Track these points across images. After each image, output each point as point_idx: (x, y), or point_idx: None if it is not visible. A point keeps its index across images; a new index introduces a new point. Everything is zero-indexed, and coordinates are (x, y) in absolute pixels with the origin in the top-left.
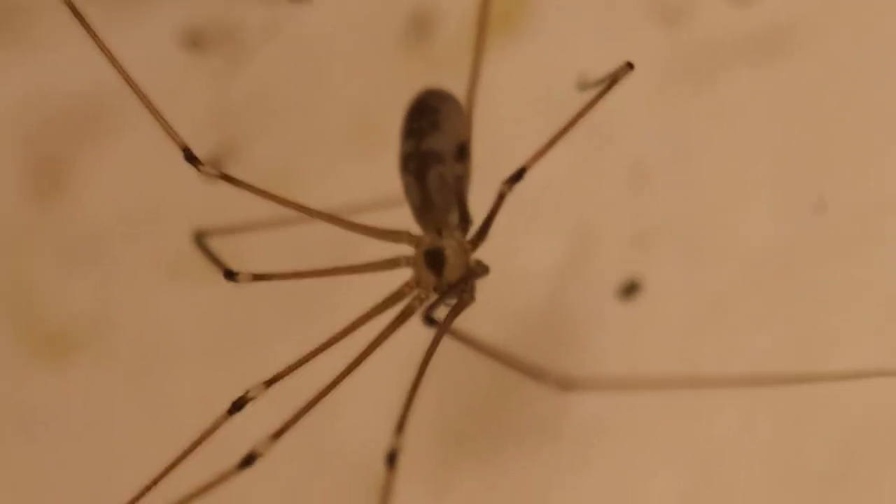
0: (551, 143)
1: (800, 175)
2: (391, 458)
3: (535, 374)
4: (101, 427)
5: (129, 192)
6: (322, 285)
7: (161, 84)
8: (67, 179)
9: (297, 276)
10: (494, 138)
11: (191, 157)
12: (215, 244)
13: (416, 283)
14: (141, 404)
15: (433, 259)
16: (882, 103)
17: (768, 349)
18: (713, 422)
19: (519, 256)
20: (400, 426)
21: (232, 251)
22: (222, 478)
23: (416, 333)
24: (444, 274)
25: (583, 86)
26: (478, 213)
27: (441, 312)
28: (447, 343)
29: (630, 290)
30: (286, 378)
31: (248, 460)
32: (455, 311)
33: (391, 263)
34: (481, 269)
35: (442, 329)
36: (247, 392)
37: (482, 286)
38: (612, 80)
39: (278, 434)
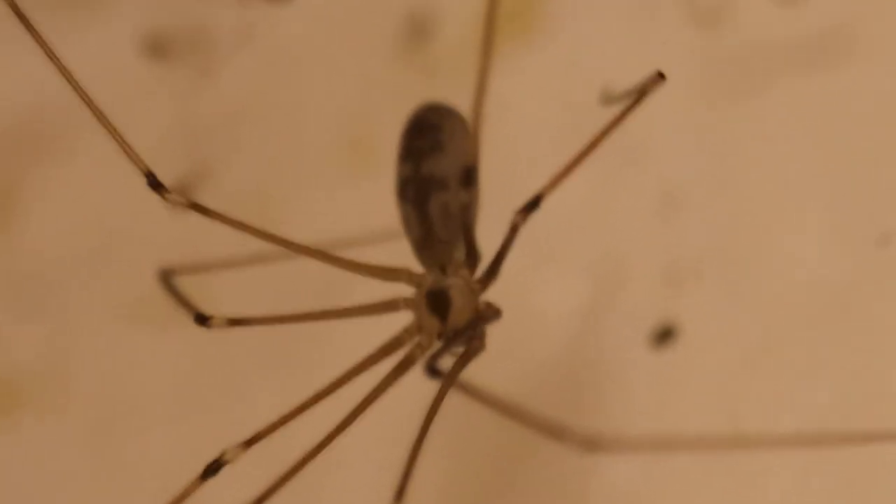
0: (571, 166)
1: (859, 202)
2: None
3: (555, 432)
4: (52, 497)
5: (84, 223)
6: (308, 331)
7: (119, 98)
8: (12, 208)
9: (278, 321)
10: (505, 161)
11: (155, 184)
12: (184, 284)
13: (417, 328)
14: (99, 469)
15: (437, 301)
16: None
17: (823, 403)
18: (762, 488)
19: (535, 297)
20: (399, 494)
21: (203, 292)
22: None
23: (417, 386)
24: (450, 318)
25: (607, 99)
26: (487, 248)
27: (446, 362)
28: (453, 397)
29: (663, 335)
30: (267, 438)
31: None
32: (462, 361)
33: (388, 306)
34: (492, 313)
35: (447, 381)
36: (222, 454)
37: (493, 332)
38: (641, 93)
39: (258, 503)
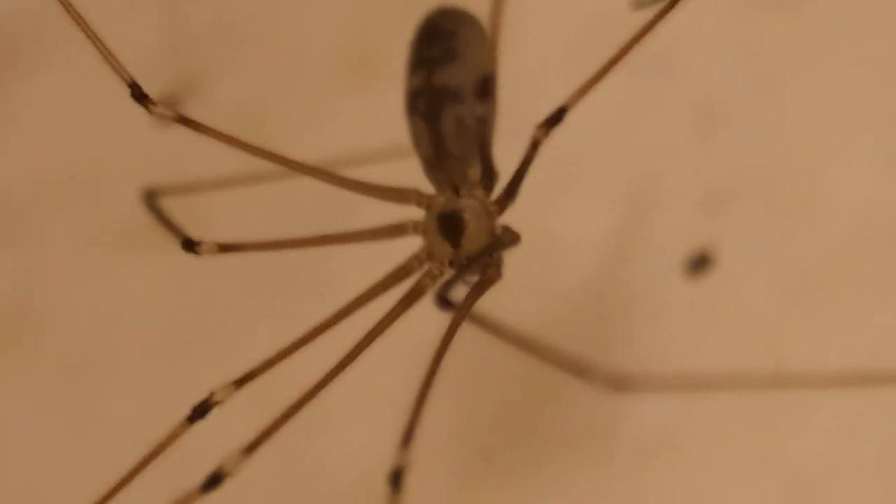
0: (598, 76)
1: None
2: (395, 478)
3: (579, 370)
4: (27, 440)
5: (61, 140)
6: (307, 258)
7: (103, 3)
8: None
9: (274, 247)
10: (526, 70)
11: (139, 95)
12: (170, 206)
13: (427, 254)
14: (78, 411)
15: (449, 224)
16: None
17: (872, 337)
18: (804, 431)
19: (557, 221)
20: (407, 438)
21: (192, 215)
22: (181, 503)
23: (427, 319)
24: (463, 243)
25: (638, 3)
26: (505, 167)
27: (459, 292)
28: (467, 331)
29: (699, 263)
30: (261, 377)
31: (214, 481)
32: (477, 291)
33: (396, 230)
34: (509, 238)
35: (461, 313)
36: (212, 394)
37: (510, 259)
38: None
39: (251, 448)
